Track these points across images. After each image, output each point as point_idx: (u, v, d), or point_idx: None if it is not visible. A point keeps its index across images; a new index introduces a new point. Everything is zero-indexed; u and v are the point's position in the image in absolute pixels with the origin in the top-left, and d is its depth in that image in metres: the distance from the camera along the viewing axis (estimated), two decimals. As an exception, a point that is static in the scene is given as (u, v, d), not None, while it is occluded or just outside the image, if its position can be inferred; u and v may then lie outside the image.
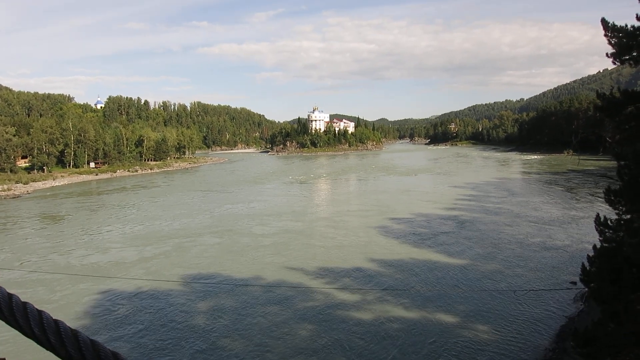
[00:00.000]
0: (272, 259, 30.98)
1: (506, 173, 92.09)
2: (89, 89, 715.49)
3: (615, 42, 11.26)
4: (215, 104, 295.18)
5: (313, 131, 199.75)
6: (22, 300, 1.07)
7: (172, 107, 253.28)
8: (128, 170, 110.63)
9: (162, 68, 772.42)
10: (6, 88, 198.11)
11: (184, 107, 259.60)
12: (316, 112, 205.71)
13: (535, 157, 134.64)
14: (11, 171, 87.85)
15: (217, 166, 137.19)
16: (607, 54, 11.55)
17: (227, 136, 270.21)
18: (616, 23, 11.25)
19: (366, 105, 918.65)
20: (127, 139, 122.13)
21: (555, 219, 42.30)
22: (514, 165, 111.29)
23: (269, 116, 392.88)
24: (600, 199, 20.33)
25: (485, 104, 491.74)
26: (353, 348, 18.19)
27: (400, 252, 31.90)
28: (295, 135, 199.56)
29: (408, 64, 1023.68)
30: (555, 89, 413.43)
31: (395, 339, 18.81)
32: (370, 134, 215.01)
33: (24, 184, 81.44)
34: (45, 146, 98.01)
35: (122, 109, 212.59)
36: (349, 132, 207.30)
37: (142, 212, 52.87)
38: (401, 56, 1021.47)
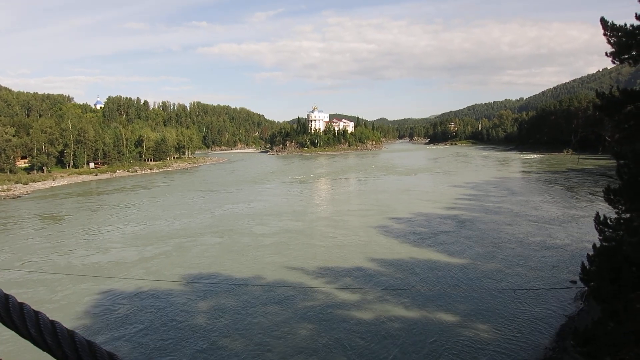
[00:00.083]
0: (272, 259, 31.00)
1: (506, 172, 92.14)
2: (89, 89, 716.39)
3: (614, 41, 11.27)
4: (215, 104, 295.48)
5: (312, 131, 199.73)
6: (19, 301, 1.06)
7: (172, 107, 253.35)
8: (128, 171, 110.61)
9: (161, 68, 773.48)
10: (5, 88, 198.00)
11: (183, 107, 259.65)
12: (316, 112, 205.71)
13: (535, 156, 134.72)
14: (11, 171, 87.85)
15: (217, 166, 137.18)
16: (606, 53, 11.56)
17: (227, 136, 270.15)
18: (615, 22, 11.27)
19: (366, 105, 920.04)
20: (126, 139, 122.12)
21: (555, 218, 42.35)
22: (514, 165, 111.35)
23: (268, 116, 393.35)
24: (600, 198, 20.35)
25: (485, 103, 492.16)
26: (354, 347, 18.22)
27: (401, 252, 31.93)
28: (294, 135, 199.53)
29: (408, 64, 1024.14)
30: (554, 88, 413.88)
31: (396, 338, 18.84)
32: (369, 133, 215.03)
33: (24, 184, 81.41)
34: (44, 146, 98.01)
35: (121, 109, 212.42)
36: (349, 131, 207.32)
37: (142, 212, 52.88)
38: (401, 56, 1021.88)
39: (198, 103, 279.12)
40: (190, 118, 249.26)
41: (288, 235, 38.12)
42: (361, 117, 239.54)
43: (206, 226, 43.26)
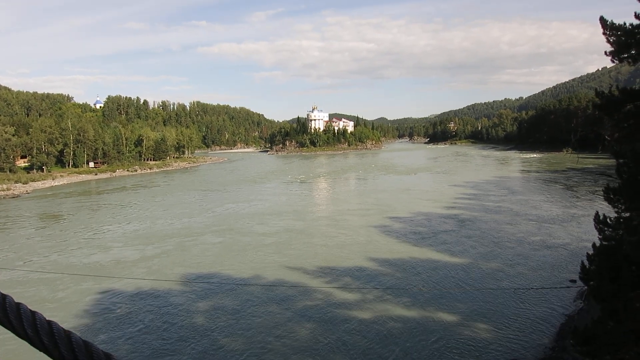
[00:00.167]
0: (273, 258, 31.02)
1: (506, 172, 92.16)
2: (88, 89, 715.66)
3: (614, 40, 11.28)
4: (215, 103, 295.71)
5: (312, 130, 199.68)
6: (17, 301, 1.06)
7: (172, 106, 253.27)
8: (127, 170, 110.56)
9: (161, 68, 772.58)
10: (5, 87, 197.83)
11: (183, 106, 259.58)
12: (315, 112, 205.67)
13: (535, 155, 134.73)
14: (10, 171, 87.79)
15: (217, 165, 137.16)
16: (606, 52, 11.57)
17: (227, 136, 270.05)
18: (615, 21, 11.27)
19: (365, 105, 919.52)
20: (126, 139, 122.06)
21: (555, 217, 42.38)
22: (514, 164, 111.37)
23: (268, 115, 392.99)
24: (600, 197, 20.36)
25: (485, 102, 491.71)
26: (356, 347, 18.25)
27: (401, 251, 31.96)
28: (294, 135, 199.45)
29: (407, 63, 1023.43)
30: (554, 87, 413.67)
31: (398, 338, 18.87)
32: (369, 133, 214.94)
33: (23, 183, 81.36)
34: (44, 146, 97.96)
35: (121, 109, 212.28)
36: (348, 131, 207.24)
37: (142, 212, 52.88)
38: (400, 55, 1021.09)
39: (198, 102, 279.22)
40: (190, 117, 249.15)
41: (288, 235, 38.14)
42: (361, 117, 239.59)
43: (207, 225, 43.26)
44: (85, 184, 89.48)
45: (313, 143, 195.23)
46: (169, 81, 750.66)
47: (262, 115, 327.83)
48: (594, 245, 12.17)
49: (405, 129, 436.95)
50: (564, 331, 18.41)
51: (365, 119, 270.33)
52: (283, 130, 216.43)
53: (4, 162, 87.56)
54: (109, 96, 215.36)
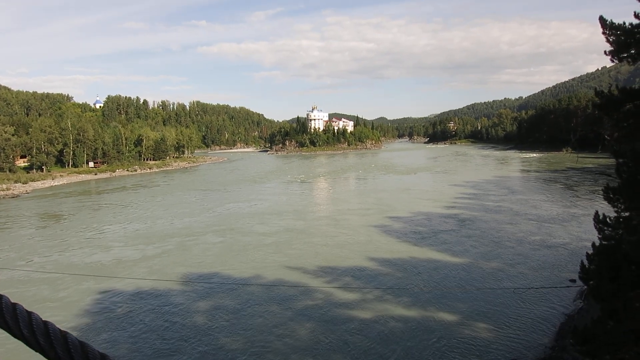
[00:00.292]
0: (273, 258, 31.05)
1: (505, 171, 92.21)
2: (88, 89, 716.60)
3: (613, 39, 11.29)
4: (214, 103, 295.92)
5: (312, 130, 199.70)
6: (13, 301, 1.06)
7: (171, 106, 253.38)
8: (127, 170, 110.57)
9: (161, 67, 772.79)
10: (5, 87, 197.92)
11: (183, 106, 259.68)
12: (315, 111, 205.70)
13: (534, 155, 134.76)
14: (10, 171, 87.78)
15: (217, 165, 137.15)
16: (605, 52, 11.58)
17: (226, 135, 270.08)
18: (614, 21, 11.28)
19: (365, 104, 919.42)
20: (126, 139, 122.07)
21: (555, 216, 42.43)
22: (513, 164, 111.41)
23: (268, 115, 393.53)
24: (599, 197, 20.38)
25: (484, 102, 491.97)
26: (357, 347, 18.28)
27: (402, 251, 32.00)
28: (294, 135, 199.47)
29: (407, 63, 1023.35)
30: (554, 87, 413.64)
31: (399, 338, 18.90)
32: (369, 132, 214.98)
33: (23, 183, 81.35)
34: (44, 146, 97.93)
35: (121, 109, 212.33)
36: (348, 131, 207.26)
37: (142, 211, 52.90)
38: (400, 55, 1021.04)
39: (197, 102, 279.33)
40: (189, 117, 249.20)
41: (289, 235, 38.17)
42: (360, 117, 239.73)
43: (207, 225, 43.29)
44: (85, 183, 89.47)
45: (313, 143, 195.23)
46: (168, 81, 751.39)
47: (262, 115, 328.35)
48: (593, 244, 12.19)
49: (405, 129, 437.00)
50: (563, 331, 18.44)
51: (365, 119, 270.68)
52: (283, 130, 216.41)
53: (3, 162, 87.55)
54: (108, 96, 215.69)
